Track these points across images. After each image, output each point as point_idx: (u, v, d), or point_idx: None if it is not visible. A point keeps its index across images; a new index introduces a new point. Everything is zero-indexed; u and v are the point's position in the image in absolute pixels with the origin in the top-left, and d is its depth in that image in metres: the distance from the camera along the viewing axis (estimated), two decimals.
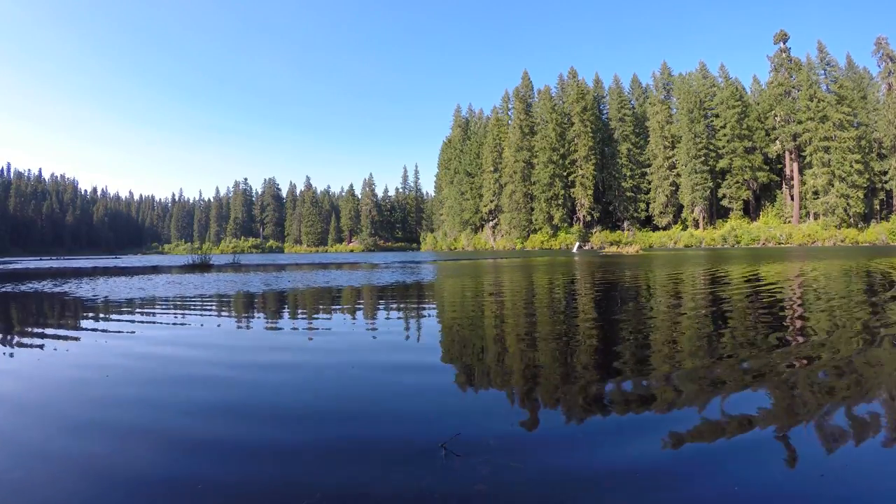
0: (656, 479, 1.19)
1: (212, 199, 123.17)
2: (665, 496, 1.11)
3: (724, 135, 52.74)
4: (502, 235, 63.68)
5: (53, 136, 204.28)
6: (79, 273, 13.66)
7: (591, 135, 58.69)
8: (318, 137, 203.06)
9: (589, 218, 59.78)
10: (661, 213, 57.46)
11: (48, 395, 1.99)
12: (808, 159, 47.84)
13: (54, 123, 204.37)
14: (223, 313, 4.57)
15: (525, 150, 60.71)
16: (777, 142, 51.34)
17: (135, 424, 1.62)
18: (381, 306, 5.02)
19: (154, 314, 4.53)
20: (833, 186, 44.75)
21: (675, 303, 4.71)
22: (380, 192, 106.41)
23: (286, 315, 4.52)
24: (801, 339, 2.79)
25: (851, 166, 43.88)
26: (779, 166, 53.06)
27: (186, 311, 4.68)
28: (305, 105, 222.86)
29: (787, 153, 51.09)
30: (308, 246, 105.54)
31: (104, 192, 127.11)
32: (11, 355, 2.81)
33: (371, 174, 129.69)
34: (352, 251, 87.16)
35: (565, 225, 59.61)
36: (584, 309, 4.40)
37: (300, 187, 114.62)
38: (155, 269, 15.13)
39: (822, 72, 50.10)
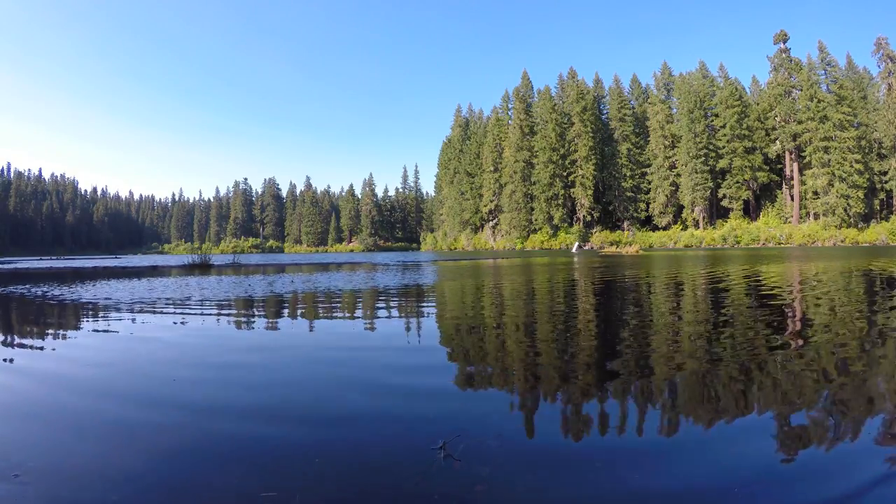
0: (657, 479, 1.19)
1: (212, 199, 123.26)
2: (666, 496, 1.11)
3: (724, 135, 52.76)
4: (502, 235, 63.68)
5: (53, 136, 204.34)
6: (79, 274, 13.66)
7: (591, 135, 58.71)
8: (318, 137, 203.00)
9: (589, 218, 59.80)
10: (661, 213, 57.47)
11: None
12: (808, 159, 47.85)
13: (54, 123, 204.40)
14: (223, 314, 4.57)
15: (525, 150, 60.72)
16: (777, 142, 51.35)
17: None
18: (381, 307, 5.02)
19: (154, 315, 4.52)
20: (833, 186, 44.77)
21: (674, 303, 4.70)
22: (380, 192, 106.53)
23: (286, 316, 4.52)
24: (801, 339, 2.79)
25: (851, 166, 43.91)
26: (779, 166, 53.08)
27: (186, 314, 4.68)
28: (305, 105, 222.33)
29: (787, 153, 51.10)
30: (308, 246, 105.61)
31: (104, 192, 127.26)
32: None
33: (371, 174, 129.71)
34: (352, 251, 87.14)
35: (565, 225, 59.61)
36: (584, 309, 4.40)
37: (300, 187, 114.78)
38: (154, 270, 15.12)
39: (823, 72, 50.11)
